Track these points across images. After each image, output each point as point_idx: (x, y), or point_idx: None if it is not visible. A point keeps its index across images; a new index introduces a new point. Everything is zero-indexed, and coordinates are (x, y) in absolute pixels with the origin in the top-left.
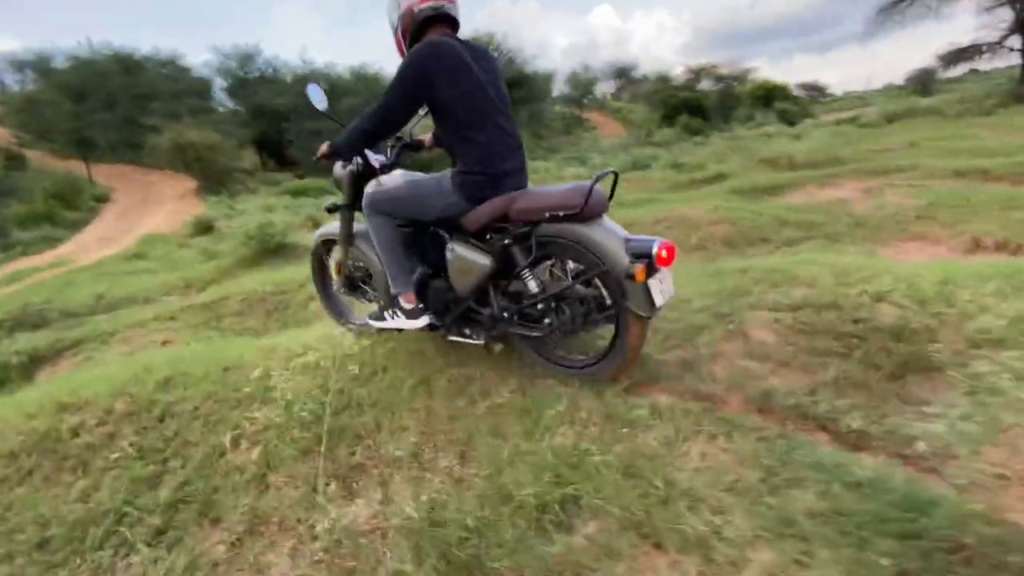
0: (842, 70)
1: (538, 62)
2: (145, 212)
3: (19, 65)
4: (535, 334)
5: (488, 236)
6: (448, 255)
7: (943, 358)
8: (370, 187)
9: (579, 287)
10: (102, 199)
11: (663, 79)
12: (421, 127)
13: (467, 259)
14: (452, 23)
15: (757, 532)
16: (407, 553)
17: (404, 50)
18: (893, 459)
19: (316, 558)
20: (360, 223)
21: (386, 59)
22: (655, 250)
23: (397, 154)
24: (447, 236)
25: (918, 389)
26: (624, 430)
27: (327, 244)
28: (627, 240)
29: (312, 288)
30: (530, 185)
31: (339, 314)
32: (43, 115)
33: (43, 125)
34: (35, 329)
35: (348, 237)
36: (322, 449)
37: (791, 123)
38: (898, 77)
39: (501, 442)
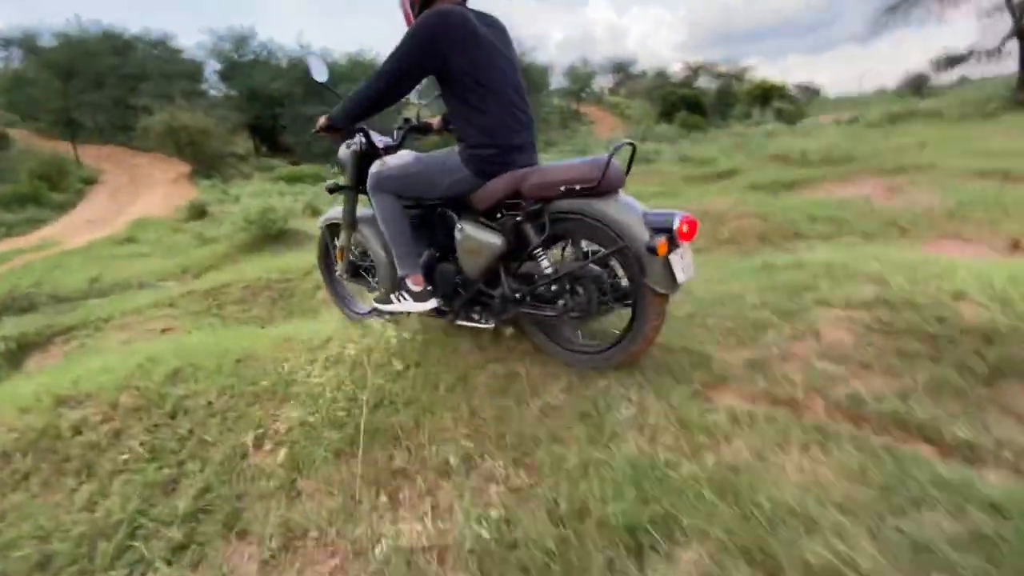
0: (834, 72)
1: (535, 54)
2: (135, 195)
3: (4, 42)
4: (548, 317)
5: (498, 215)
6: (457, 235)
7: None
8: (374, 167)
9: (594, 266)
10: (90, 181)
11: (661, 75)
12: (430, 111)
13: (477, 239)
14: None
15: (894, 563)
16: None
17: (412, 21)
18: (1016, 475)
19: None
20: (364, 207)
21: (382, 47)
22: (677, 224)
23: (403, 136)
24: (455, 216)
25: (1015, 396)
26: (702, 438)
27: (332, 229)
28: (646, 214)
29: (319, 276)
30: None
31: (344, 302)
32: (30, 94)
33: (29, 104)
34: (23, 313)
35: (351, 220)
36: (359, 452)
37: (791, 122)
38: (889, 81)
39: (563, 449)
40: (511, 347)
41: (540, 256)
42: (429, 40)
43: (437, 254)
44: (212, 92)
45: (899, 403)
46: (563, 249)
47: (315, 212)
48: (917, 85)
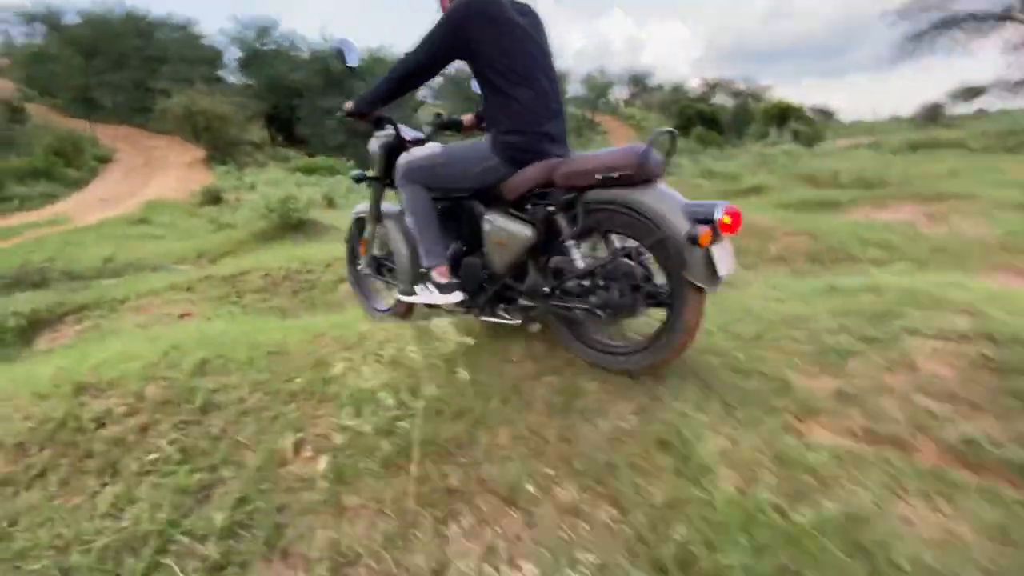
0: (848, 98)
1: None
2: (149, 176)
3: (28, 18)
4: (581, 312)
5: (528, 206)
6: (485, 227)
7: None
8: (403, 158)
9: (627, 260)
10: (104, 160)
11: (678, 89)
12: (445, 112)
13: (506, 230)
14: None
15: None
16: None
17: (447, 6)
18: None
19: None
20: (388, 202)
21: (404, 45)
22: (719, 214)
23: (433, 131)
24: (483, 208)
25: None
26: (807, 479)
27: (361, 223)
28: (687, 204)
29: (341, 270)
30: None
31: (365, 298)
32: (50, 70)
33: (48, 80)
34: (34, 288)
35: (376, 213)
36: (412, 466)
37: (809, 144)
38: (903, 110)
39: (645, 481)
40: (567, 358)
41: (571, 249)
42: (461, 24)
43: (463, 248)
44: (230, 80)
45: (1021, 451)
46: (594, 243)
47: (331, 204)
48: (933, 115)
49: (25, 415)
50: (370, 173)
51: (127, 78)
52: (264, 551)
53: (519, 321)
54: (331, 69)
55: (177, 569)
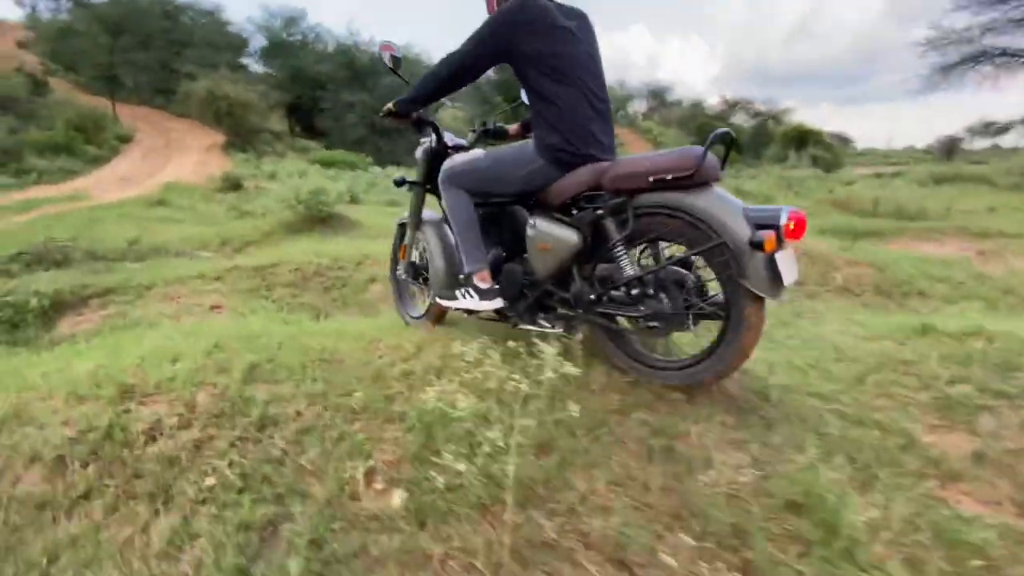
0: (864, 126)
1: None
2: (168, 159)
3: None
4: (625, 324)
5: (574, 211)
6: (528, 231)
7: None
8: (447, 163)
9: (679, 268)
10: (124, 139)
11: (697, 106)
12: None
13: (551, 235)
14: None
15: None
16: None
17: (495, 8)
18: None
19: None
20: (429, 210)
21: (431, 44)
22: (784, 219)
23: (476, 139)
24: (526, 212)
25: None
26: (978, 564)
27: (404, 230)
28: (746, 209)
29: (373, 269)
30: None
31: (402, 304)
32: (74, 46)
33: (72, 56)
34: (56, 268)
35: (417, 218)
36: (507, 514)
37: (828, 170)
38: (919, 140)
39: (788, 555)
40: (655, 390)
41: (620, 256)
42: (506, 26)
43: (504, 254)
44: (253, 68)
45: None
46: (641, 250)
47: (354, 199)
48: (949, 149)
49: (64, 420)
50: (411, 177)
51: (151, 58)
52: None
53: (559, 330)
54: (355, 63)
55: None
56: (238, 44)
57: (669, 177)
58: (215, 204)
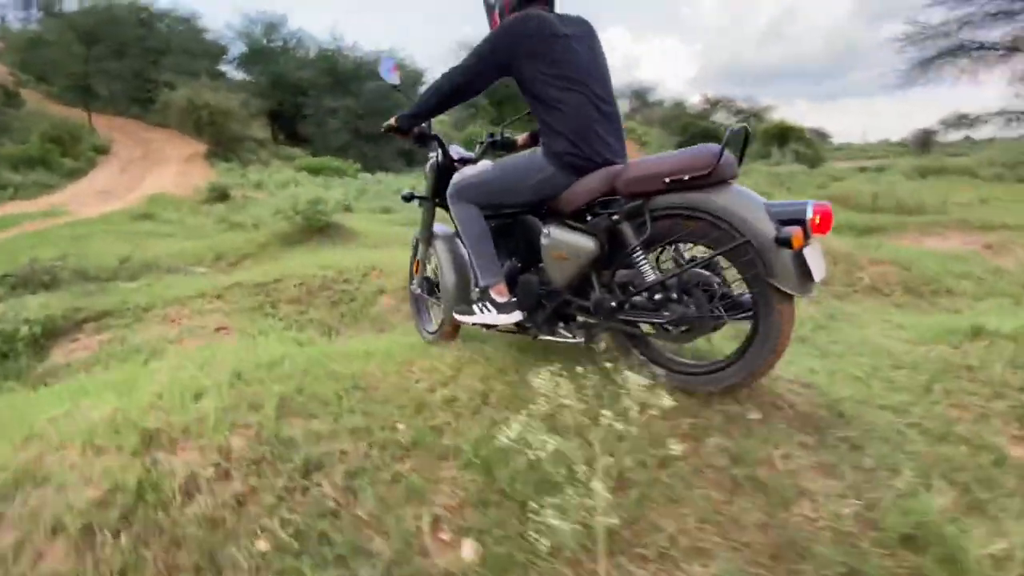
0: (839, 121)
1: None
2: (148, 170)
3: (25, 2)
4: (649, 330)
5: (588, 217)
6: (543, 241)
7: None
8: (455, 177)
9: (702, 270)
10: (101, 150)
11: (679, 105)
12: (512, 129)
13: (566, 243)
14: (550, 4)
15: None
16: None
17: (497, 25)
18: None
19: None
20: (440, 224)
21: (416, 47)
22: (810, 213)
23: (483, 152)
24: (539, 222)
25: None
26: None
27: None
28: (769, 205)
29: (380, 280)
30: None
31: (419, 319)
32: (45, 56)
33: (44, 67)
34: (44, 290)
35: (428, 233)
36: (600, 565)
37: (812, 165)
38: (893, 134)
39: None
40: (726, 412)
41: (639, 261)
42: (507, 39)
43: (518, 265)
44: (232, 75)
45: None
46: (659, 253)
47: (346, 207)
48: (924, 141)
49: (85, 478)
50: (420, 193)
51: (126, 67)
52: None
53: (581, 340)
54: (338, 68)
55: None
56: (216, 51)
57: (686, 177)
58: (203, 216)
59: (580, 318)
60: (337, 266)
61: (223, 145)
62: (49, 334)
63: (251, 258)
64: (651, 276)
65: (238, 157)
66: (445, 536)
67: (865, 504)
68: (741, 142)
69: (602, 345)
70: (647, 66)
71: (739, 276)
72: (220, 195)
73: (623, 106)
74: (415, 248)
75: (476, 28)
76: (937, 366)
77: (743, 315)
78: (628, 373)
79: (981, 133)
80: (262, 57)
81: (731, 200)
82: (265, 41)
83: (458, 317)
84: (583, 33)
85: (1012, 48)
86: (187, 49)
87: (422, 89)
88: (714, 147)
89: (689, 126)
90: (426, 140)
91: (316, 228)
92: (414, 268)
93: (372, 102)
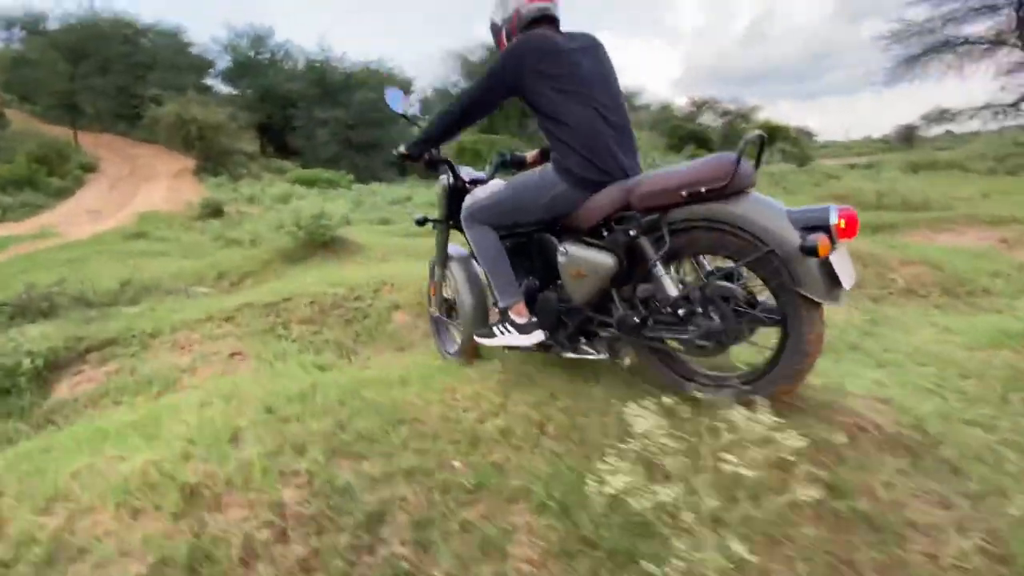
0: (821, 119)
1: None
2: (137, 187)
3: (7, 22)
4: (680, 341)
5: (604, 233)
6: (560, 259)
7: None
8: (467, 200)
9: (725, 281)
10: (89, 168)
11: (666, 108)
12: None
13: (584, 260)
14: (556, 24)
15: None
16: None
17: (504, 47)
18: None
19: None
20: (454, 244)
21: (404, 58)
22: (834, 218)
23: (495, 171)
24: (555, 240)
25: None
26: None
27: None
28: (790, 212)
29: (393, 295)
30: None
31: (439, 339)
32: (29, 75)
33: (28, 86)
34: (43, 318)
35: (443, 256)
36: None
37: (801, 164)
38: (874, 131)
39: None
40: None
41: (660, 275)
42: (515, 60)
43: (536, 283)
44: (219, 89)
45: None
46: (679, 266)
47: (347, 221)
48: (907, 137)
49: (124, 550)
50: (433, 216)
51: (111, 84)
52: None
53: (605, 356)
54: (327, 79)
55: None
56: (202, 65)
57: (703, 190)
58: (198, 233)
59: (603, 333)
60: (347, 282)
61: (212, 159)
62: (52, 366)
63: (254, 276)
64: (673, 290)
65: (228, 171)
66: None
67: (986, 537)
68: (757, 149)
69: (627, 361)
70: (632, 70)
71: (764, 286)
72: (213, 211)
73: None
74: (432, 271)
75: (470, 36)
76: (1005, 373)
77: (770, 324)
78: (737, 408)
79: (962, 128)
80: (249, 70)
81: (751, 209)
82: (252, 54)
83: (479, 340)
84: (589, 46)
85: (997, 41)
86: (173, 64)
87: (412, 97)
88: (730, 156)
89: (677, 128)
90: (437, 165)
91: (319, 243)
92: (431, 291)
93: (362, 112)
